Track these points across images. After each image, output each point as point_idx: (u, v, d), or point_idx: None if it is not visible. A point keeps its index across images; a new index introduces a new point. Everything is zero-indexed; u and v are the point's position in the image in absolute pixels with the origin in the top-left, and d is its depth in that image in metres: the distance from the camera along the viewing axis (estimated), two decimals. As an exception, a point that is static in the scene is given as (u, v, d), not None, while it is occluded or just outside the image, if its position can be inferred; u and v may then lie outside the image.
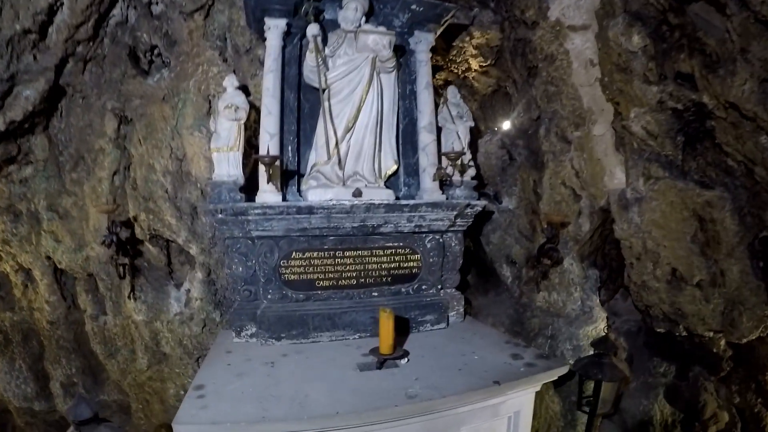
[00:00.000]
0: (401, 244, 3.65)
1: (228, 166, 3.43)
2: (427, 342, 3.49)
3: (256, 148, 3.82)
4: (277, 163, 3.20)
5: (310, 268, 3.47)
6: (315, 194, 3.37)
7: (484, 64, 4.70)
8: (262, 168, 3.30)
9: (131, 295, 4.00)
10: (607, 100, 4.11)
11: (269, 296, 3.42)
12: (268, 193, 3.29)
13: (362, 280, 3.59)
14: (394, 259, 3.65)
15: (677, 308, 4.09)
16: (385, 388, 2.73)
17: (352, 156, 3.54)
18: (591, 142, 4.21)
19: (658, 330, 4.47)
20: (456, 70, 4.77)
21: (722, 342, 4.31)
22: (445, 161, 3.72)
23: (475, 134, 4.35)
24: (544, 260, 4.00)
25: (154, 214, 3.90)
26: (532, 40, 4.23)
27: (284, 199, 3.36)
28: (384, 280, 3.65)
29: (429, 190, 3.69)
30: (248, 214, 3.21)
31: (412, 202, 3.45)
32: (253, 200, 3.30)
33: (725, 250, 3.82)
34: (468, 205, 3.74)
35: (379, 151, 3.65)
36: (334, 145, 3.43)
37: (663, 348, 4.79)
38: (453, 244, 3.88)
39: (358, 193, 3.33)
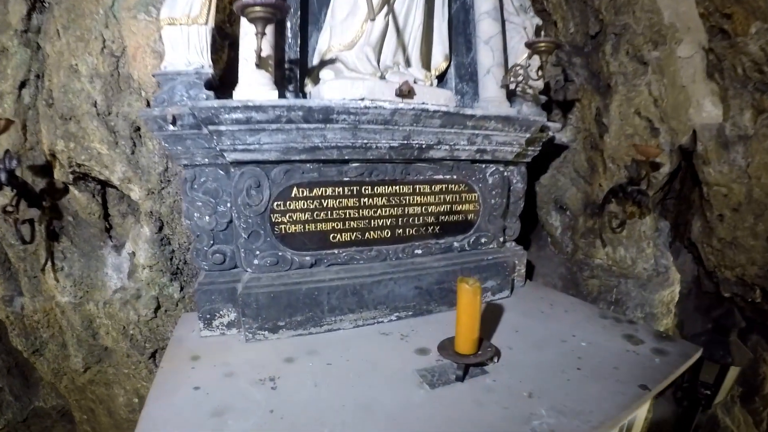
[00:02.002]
0: (455, 176, 2.05)
1: (188, 49, 1.75)
2: (502, 323, 1.95)
3: (232, 42, 2.13)
4: (270, 51, 1.53)
5: (322, 214, 1.83)
6: (335, 90, 1.72)
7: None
8: (244, 48, 1.65)
9: (46, 266, 2.27)
10: (703, 14, 2.66)
11: (256, 261, 1.78)
12: (256, 86, 1.63)
13: (400, 231, 1.99)
14: (444, 198, 2.05)
15: (769, 270, 2.74)
16: (488, 421, 1.22)
17: (392, 37, 1.88)
18: (674, 65, 2.74)
19: (725, 294, 3.12)
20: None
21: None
22: (518, 58, 2.11)
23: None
24: (627, 206, 2.51)
25: (77, 141, 2.14)
26: (597, -62, 2.71)
27: (282, 98, 1.70)
28: (430, 230, 2.06)
29: (494, 100, 2.10)
30: (220, 120, 1.54)
31: (479, 112, 1.84)
32: (229, 99, 1.63)
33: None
34: (543, 128, 2.19)
35: (428, 37, 2.01)
36: (367, 18, 1.75)
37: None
38: (515, 181, 2.33)
39: (406, 91, 1.70)
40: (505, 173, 2.16)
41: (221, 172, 1.77)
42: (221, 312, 1.80)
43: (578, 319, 2.06)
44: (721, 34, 2.65)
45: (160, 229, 2.22)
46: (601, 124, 2.85)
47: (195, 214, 1.79)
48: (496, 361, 1.58)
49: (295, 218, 1.78)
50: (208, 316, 1.80)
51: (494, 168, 2.12)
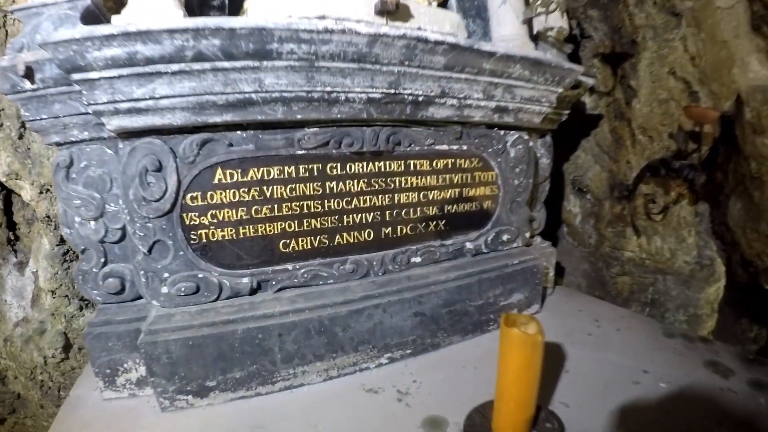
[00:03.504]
0: (465, 147, 1.28)
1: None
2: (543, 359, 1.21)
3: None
4: None
5: (264, 209, 1.06)
6: (274, 4, 0.96)
7: None
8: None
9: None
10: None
11: (165, 289, 1.00)
12: (150, 6, 0.88)
13: (387, 230, 1.21)
14: (451, 179, 1.28)
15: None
16: None
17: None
18: (712, 17, 2.00)
19: (767, 286, 2.40)
20: None
21: None
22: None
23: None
24: (674, 185, 1.78)
25: (-56, 126, 1.40)
26: None
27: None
28: (433, 226, 1.28)
29: (514, 39, 1.32)
30: (88, 61, 0.78)
31: (501, 49, 1.07)
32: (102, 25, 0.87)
33: None
34: (576, 84, 1.45)
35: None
36: None
37: (750, 307, 2.76)
38: (540, 155, 1.58)
39: (393, 5, 0.94)
40: (530, 143, 1.41)
41: (109, 150, 1.01)
42: (126, 365, 1.04)
43: (640, 343, 1.33)
44: (769, -25, 1.92)
45: (62, 239, 1.46)
46: (627, 87, 2.12)
47: (75, 219, 1.03)
48: (558, 442, 0.84)
49: (222, 218, 1.02)
50: (108, 371, 1.04)
51: (517, 136, 1.36)
